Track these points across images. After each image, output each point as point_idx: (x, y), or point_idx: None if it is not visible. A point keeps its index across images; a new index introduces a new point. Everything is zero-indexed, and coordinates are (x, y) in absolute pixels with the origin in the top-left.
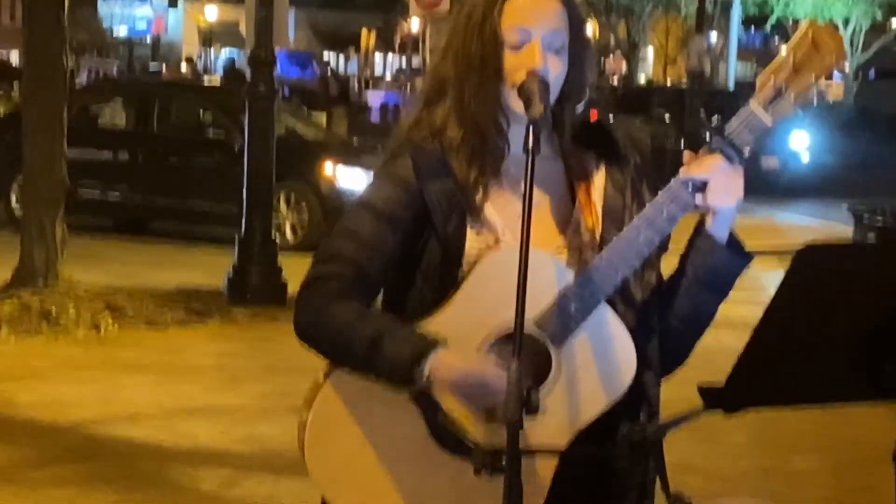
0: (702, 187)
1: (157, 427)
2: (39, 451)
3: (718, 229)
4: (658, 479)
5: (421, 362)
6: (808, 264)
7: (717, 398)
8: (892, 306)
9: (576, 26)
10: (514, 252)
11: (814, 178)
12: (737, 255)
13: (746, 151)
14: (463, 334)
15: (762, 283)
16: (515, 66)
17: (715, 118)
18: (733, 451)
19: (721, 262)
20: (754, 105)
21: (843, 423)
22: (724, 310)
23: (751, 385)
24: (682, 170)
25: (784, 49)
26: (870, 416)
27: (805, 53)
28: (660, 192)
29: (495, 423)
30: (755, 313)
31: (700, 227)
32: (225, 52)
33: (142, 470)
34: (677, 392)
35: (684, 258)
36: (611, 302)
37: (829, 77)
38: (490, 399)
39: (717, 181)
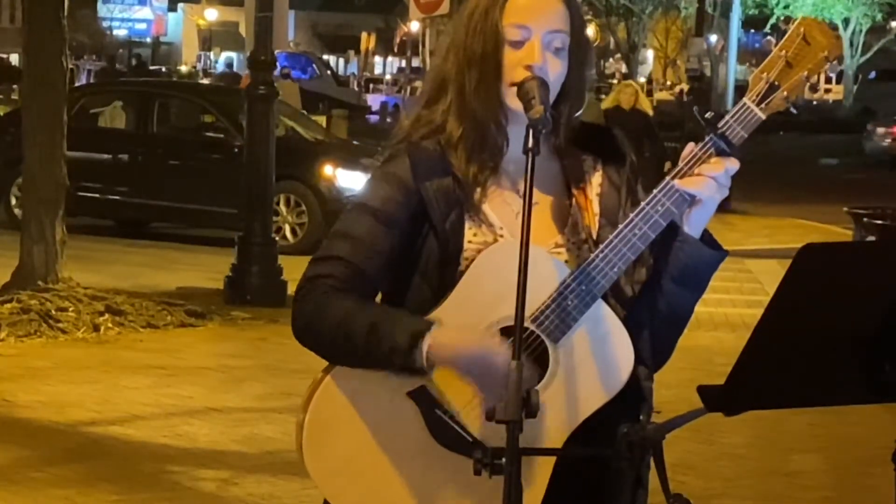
0: (692, 200)
1: (156, 427)
2: (39, 451)
3: (694, 227)
4: (658, 479)
5: (418, 343)
6: (808, 264)
7: (718, 399)
8: (893, 306)
9: (577, 28)
10: (511, 247)
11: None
12: (712, 251)
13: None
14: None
15: (762, 283)
16: (514, 63)
17: (709, 114)
18: (733, 452)
19: (696, 258)
20: (748, 101)
21: (843, 423)
22: (724, 310)
23: (751, 386)
24: (679, 162)
25: (776, 46)
26: (870, 416)
27: (797, 49)
28: (656, 189)
29: (494, 422)
30: (755, 313)
31: (673, 224)
32: (224, 56)
33: (142, 470)
34: (677, 392)
35: (657, 255)
36: (602, 297)
37: (827, 77)
38: (492, 375)
39: (708, 195)
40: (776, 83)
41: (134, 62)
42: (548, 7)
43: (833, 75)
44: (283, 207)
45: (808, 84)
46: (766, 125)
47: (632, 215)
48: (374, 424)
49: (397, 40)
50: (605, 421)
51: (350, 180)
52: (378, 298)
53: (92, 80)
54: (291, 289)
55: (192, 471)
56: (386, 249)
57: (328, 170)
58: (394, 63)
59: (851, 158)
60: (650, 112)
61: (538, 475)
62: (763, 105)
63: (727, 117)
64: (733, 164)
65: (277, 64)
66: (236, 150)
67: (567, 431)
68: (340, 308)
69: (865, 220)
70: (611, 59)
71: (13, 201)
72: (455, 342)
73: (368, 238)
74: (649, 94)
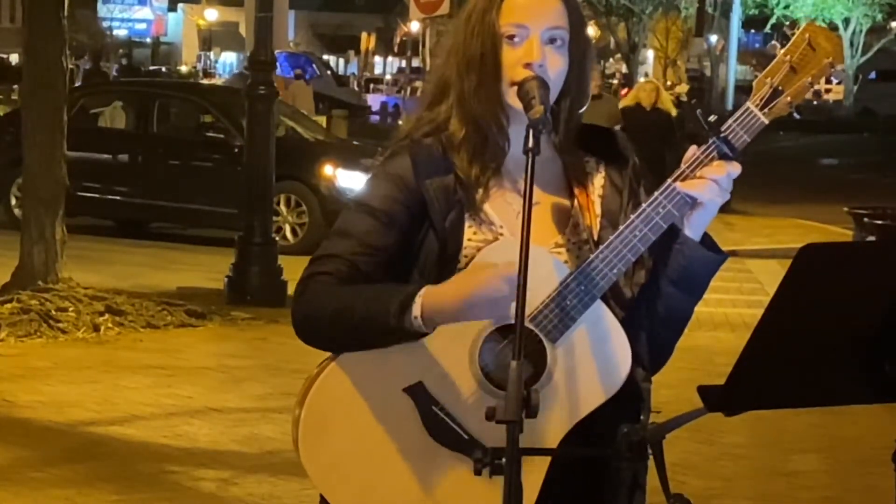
0: (693, 202)
1: (156, 427)
2: (39, 451)
3: (694, 230)
4: (658, 479)
5: (410, 305)
6: (809, 264)
7: (718, 399)
8: (893, 306)
9: (576, 25)
10: (510, 246)
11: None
12: (711, 254)
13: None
14: (459, 328)
15: (762, 283)
16: (514, 62)
17: (712, 117)
18: (733, 452)
19: (695, 261)
20: (751, 105)
21: (843, 423)
22: (724, 310)
23: (751, 386)
24: (682, 165)
25: (781, 51)
26: (870, 416)
27: (801, 55)
28: (657, 191)
29: (494, 421)
30: (755, 313)
31: (673, 226)
32: (225, 56)
33: (142, 470)
34: (677, 392)
35: (657, 257)
36: (602, 298)
37: (828, 79)
38: (494, 307)
39: (709, 198)
40: (780, 88)
41: (123, 61)
42: (545, 5)
43: (834, 79)
44: (283, 207)
45: (812, 90)
46: (767, 125)
47: (632, 217)
48: (370, 421)
49: (397, 40)
50: (602, 421)
51: (350, 180)
52: None
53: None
54: (292, 289)
55: (192, 471)
56: (385, 248)
57: (328, 170)
58: (394, 63)
59: (851, 158)
60: (672, 111)
61: (533, 474)
62: (766, 109)
63: (730, 121)
64: (735, 168)
65: (278, 64)
66: (236, 150)
67: (564, 431)
68: (338, 294)
69: (865, 220)
70: (611, 59)
71: (13, 201)
72: (447, 292)
73: (368, 237)
74: None
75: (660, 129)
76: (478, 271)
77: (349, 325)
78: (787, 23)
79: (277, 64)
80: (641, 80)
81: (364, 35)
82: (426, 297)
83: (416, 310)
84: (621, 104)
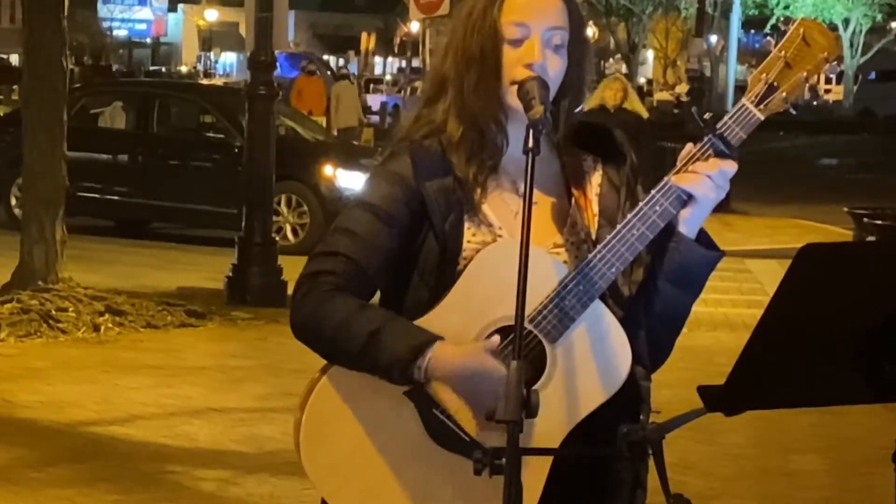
0: (688, 199)
1: (156, 427)
2: (39, 451)
3: (690, 227)
4: (658, 479)
5: (419, 357)
6: (809, 264)
7: (718, 399)
8: (893, 306)
9: (576, 25)
10: (508, 247)
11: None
12: (707, 251)
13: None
14: (458, 330)
15: (762, 283)
16: (514, 61)
17: (707, 115)
18: (733, 451)
19: (691, 259)
20: (746, 101)
21: (843, 423)
22: (724, 310)
23: (751, 386)
24: (678, 163)
25: (776, 47)
26: (870, 417)
27: (796, 50)
28: (654, 189)
29: (493, 422)
30: (755, 314)
31: (669, 224)
32: (225, 56)
33: (142, 470)
34: (677, 392)
35: (653, 255)
36: (600, 297)
37: (827, 77)
38: (488, 394)
39: (703, 193)
40: (775, 84)
41: (86, 60)
42: (546, 4)
43: (833, 76)
44: (283, 208)
45: (808, 85)
46: (766, 125)
47: (630, 215)
48: (371, 423)
49: (397, 40)
50: (603, 421)
51: (350, 180)
52: (376, 297)
53: None
54: (292, 289)
55: (192, 471)
56: (386, 247)
57: (328, 170)
58: (394, 63)
59: (851, 158)
60: (644, 113)
61: (535, 475)
62: (762, 106)
63: (725, 118)
64: (729, 166)
65: (278, 64)
66: (236, 150)
67: (565, 431)
68: (342, 309)
69: (865, 220)
70: (611, 60)
71: (13, 201)
72: (454, 359)
73: (369, 235)
74: (649, 94)
75: (627, 132)
76: (487, 361)
77: (348, 351)
78: (783, 18)
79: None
80: (641, 80)
81: (364, 35)
82: (435, 359)
83: (424, 364)
84: (585, 106)
